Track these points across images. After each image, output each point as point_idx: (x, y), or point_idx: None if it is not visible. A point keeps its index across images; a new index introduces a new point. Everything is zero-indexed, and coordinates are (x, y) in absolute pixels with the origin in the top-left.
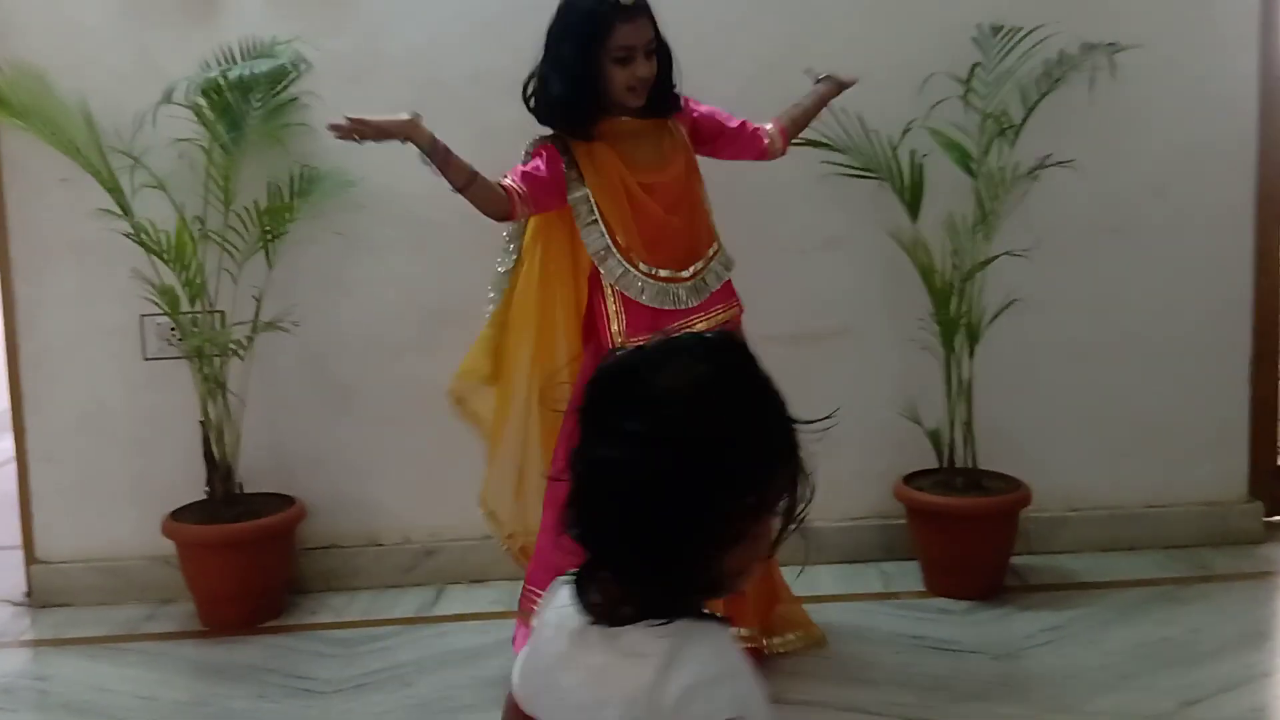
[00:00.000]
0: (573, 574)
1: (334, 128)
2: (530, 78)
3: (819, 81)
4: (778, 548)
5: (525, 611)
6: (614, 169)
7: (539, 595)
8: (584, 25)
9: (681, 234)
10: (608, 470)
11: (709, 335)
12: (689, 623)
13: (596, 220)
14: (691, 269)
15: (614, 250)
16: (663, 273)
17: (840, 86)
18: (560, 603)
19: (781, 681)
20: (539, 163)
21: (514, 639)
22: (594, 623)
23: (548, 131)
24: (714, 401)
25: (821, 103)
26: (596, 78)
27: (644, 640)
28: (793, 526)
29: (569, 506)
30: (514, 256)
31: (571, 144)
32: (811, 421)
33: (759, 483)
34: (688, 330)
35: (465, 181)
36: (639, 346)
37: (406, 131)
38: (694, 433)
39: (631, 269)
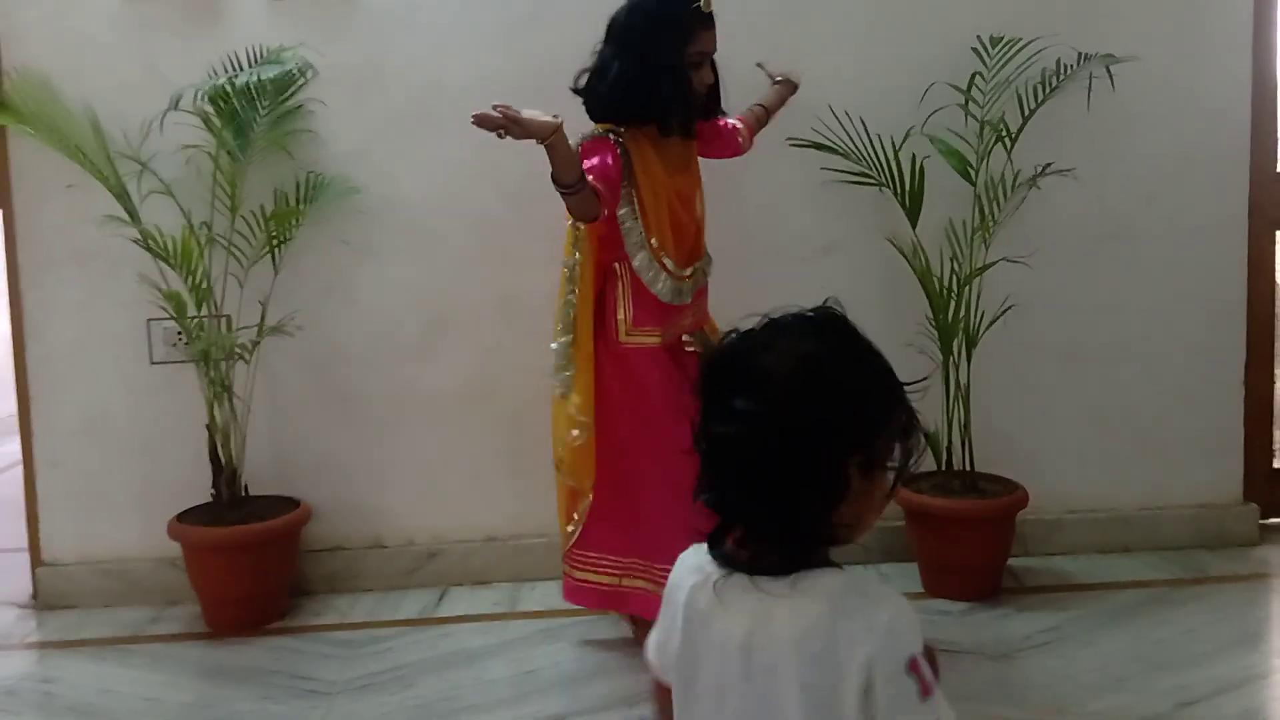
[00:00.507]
0: (701, 542)
1: (480, 119)
2: (592, 71)
3: (776, 82)
4: (891, 499)
5: (572, 569)
6: (659, 168)
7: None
8: (674, 26)
9: (692, 234)
10: (724, 445)
11: (811, 313)
12: (836, 570)
13: (638, 217)
14: (691, 268)
15: (647, 246)
16: (677, 270)
17: (794, 87)
18: (692, 567)
19: None
20: (605, 159)
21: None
22: (735, 574)
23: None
24: (814, 377)
25: (780, 103)
26: (686, 76)
27: (803, 584)
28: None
29: (700, 475)
30: (574, 291)
31: (625, 140)
32: (913, 383)
33: (862, 444)
34: (791, 312)
35: (578, 183)
36: (747, 330)
37: (550, 134)
38: (796, 408)
39: (657, 264)
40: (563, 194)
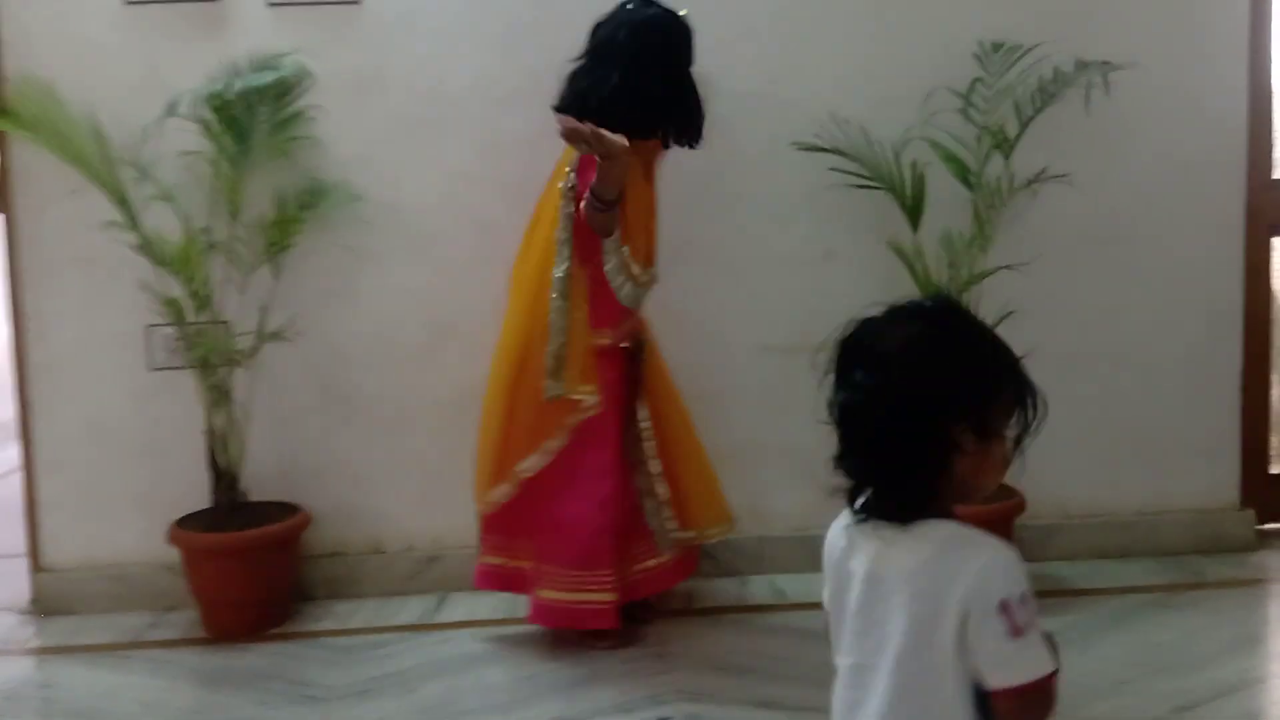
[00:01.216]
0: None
1: (572, 131)
2: (607, 87)
3: None
4: (1010, 464)
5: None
6: (640, 179)
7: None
8: (686, 40)
9: (654, 242)
10: (848, 413)
11: (927, 301)
12: (949, 521)
13: (619, 225)
14: (649, 275)
15: (620, 253)
16: (641, 277)
17: None
18: (839, 522)
19: (778, 687)
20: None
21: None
22: (864, 522)
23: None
24: (923, 353)
25: None
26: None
27: (918, 530)
28: (1023, 444)
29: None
30: (567, 263)
31: None
32: (1021, 358)
33: (971, 412)
34: (909, 299)
35: (617, 200)
36: (871, 315)
37: (619, 153)
38: (907, 380)
39: (626, 272)
40: (599, 209)
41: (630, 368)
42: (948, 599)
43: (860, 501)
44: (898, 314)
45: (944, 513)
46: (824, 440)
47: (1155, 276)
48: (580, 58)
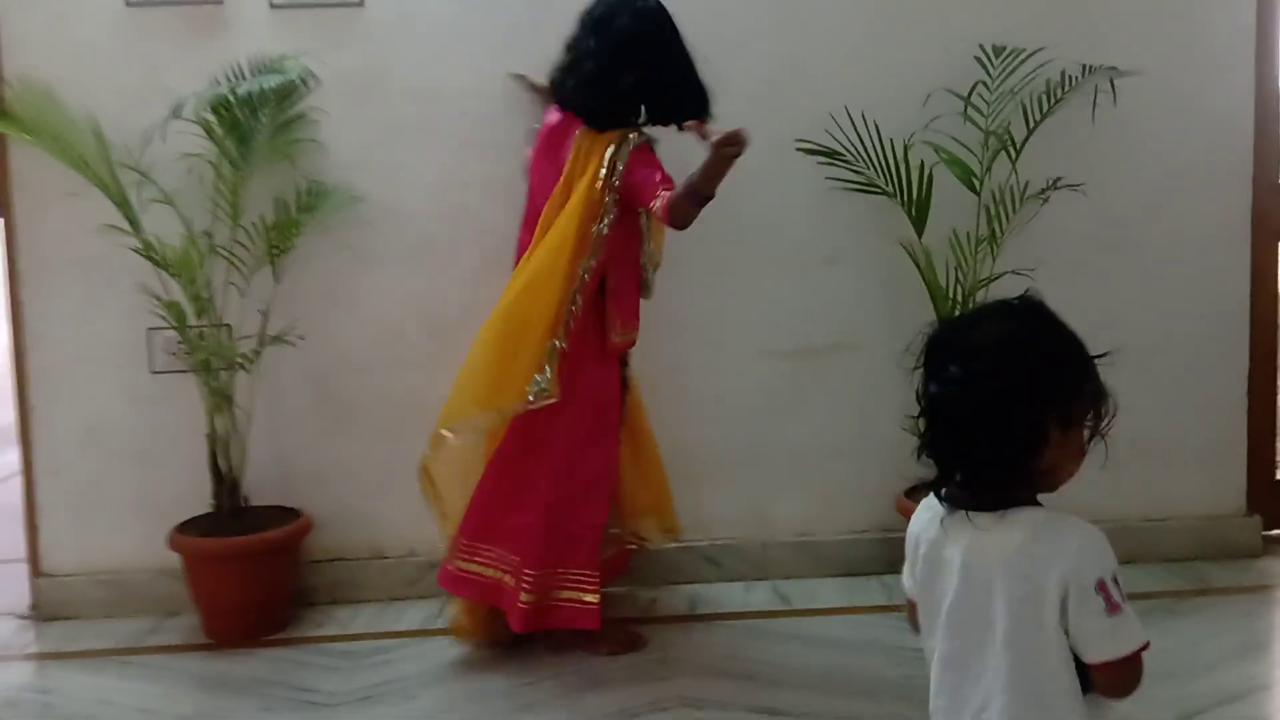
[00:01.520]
0: (932, 494)
1: (741, 142)
2: (631, 78)
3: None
4: (1087, 453)
5: (455, 559)
6: None
7: (468, 543)
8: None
9: None
10: (940, 404)
11: (1014, 300)
12: (1039, 507)
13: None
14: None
15: (646, 247)
16: (658, 265)
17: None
18: (926, 507)
19: (781, 693)
20: (659, 165)
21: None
22: (956, 512)
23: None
24: (1013, 349)
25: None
26: None
27: (1011, 517)
28: (1096, 437)
29: (922, 435)
30: (594, 259)
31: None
32: (1100, 355)
33: (1058, 405)
34: (997, 299)
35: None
36: (958, 315)
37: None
38: (999, 373)
39: (652, 259)
40: (697, 205)
41: (622, 369)
42: (1048, 580)
43: (946, 491)
44: (987, 312)
45: (1031, 501)
46: (824, 444)
47: (1161, 281)
48: (602, 53)
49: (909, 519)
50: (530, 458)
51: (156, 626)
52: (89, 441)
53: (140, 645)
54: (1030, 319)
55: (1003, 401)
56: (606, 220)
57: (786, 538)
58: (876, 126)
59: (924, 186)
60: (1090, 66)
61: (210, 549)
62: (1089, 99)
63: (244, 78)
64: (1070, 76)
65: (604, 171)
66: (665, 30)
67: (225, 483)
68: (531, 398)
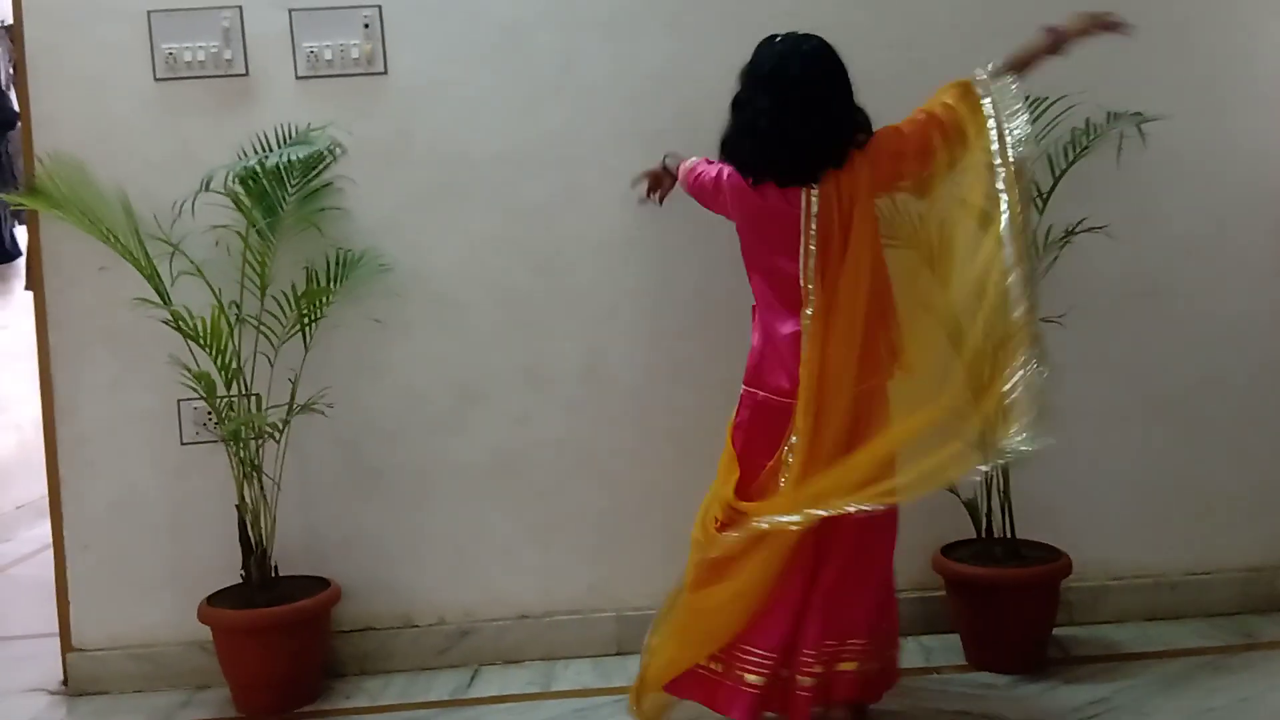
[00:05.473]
0: None
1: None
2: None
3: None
4: None
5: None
6: None
7: (757, 653)
8: None
9: None
10: None
11: None
12: None
13: None
14: None
15: None
16: None
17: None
18: None
19: None
20: None
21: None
22: None
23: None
24: None
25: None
26: None
27: None
28: None
29: None
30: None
31: None
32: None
33: None
34: None
35: None
36: None
37: None
38: None
39: None
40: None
41: None
42: None
43: None
44: None
45: None
46: None
47: (1196, 329)
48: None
49: (947, 579)
50: (870, 533)
51: (188, 700)
52: (119, 514)
53: None
54: None
55: None
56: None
57: None
58: None
59: (945, 241)
60: (1114, 113)
61: (238, 621)
62: (1115, 146)
63: (271, 149)
64: (1094, 125)
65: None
66: (835, 69)
67: (254, 553)
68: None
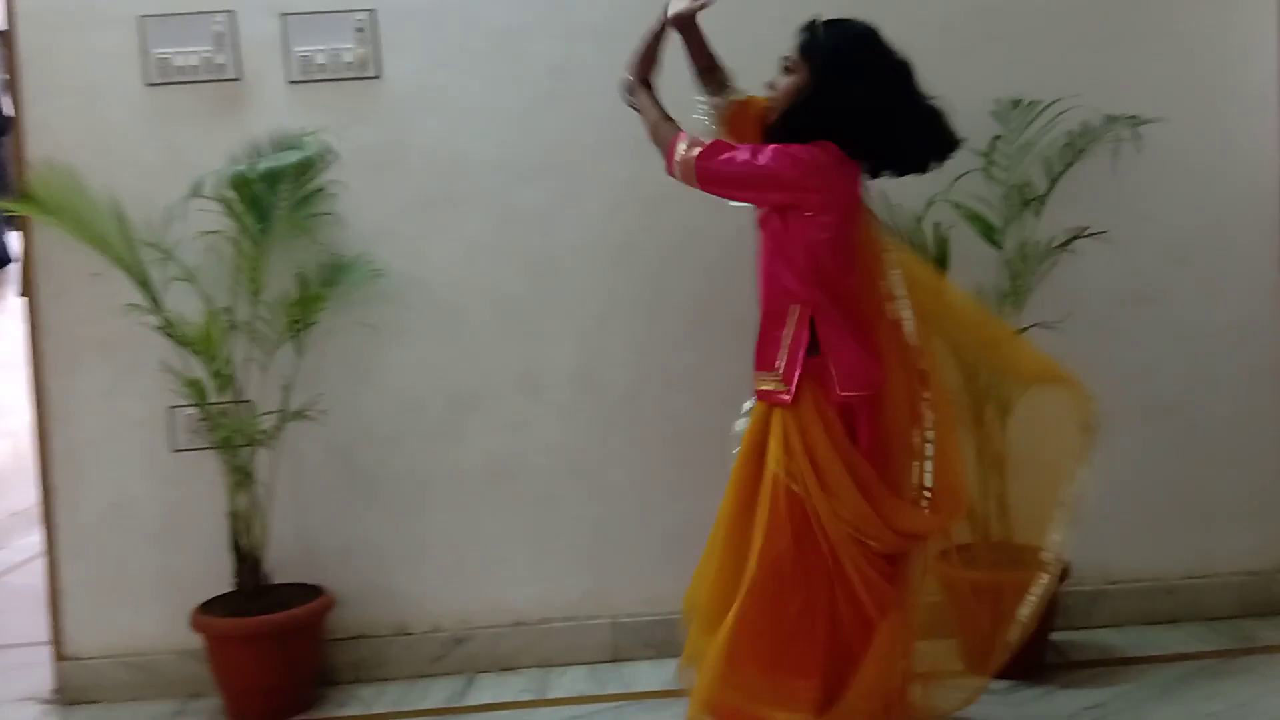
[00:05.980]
0: None
1: None
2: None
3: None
4: None
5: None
6: None
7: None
8: None
9: None
10: None
11: None
12: None
13: None
14: None
15: None
16: None
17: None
18: None
19: None
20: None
21: None
22: None
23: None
24: None
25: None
26: None
27: None
28: None
29: None
30: None
31: None
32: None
33: None
34: None
35: None
36: None
37: None
38: None
39: None
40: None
41: None
42: None
43: None
44: None
45: None
46: None
47: (1192, 334)
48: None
49: (945, 584)
50: None
51: (181, 709)
52: (111, 522)
53: None
54: None
55: None
56: None
57: None
58: (893, 187)
59: (940, 245)
60: (1110, 116)
61: (231, 629)
62: (1109, 150)
63: (263, 154)
64: (1092, 127)
65: None
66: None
67: (247, 561)
68: None
